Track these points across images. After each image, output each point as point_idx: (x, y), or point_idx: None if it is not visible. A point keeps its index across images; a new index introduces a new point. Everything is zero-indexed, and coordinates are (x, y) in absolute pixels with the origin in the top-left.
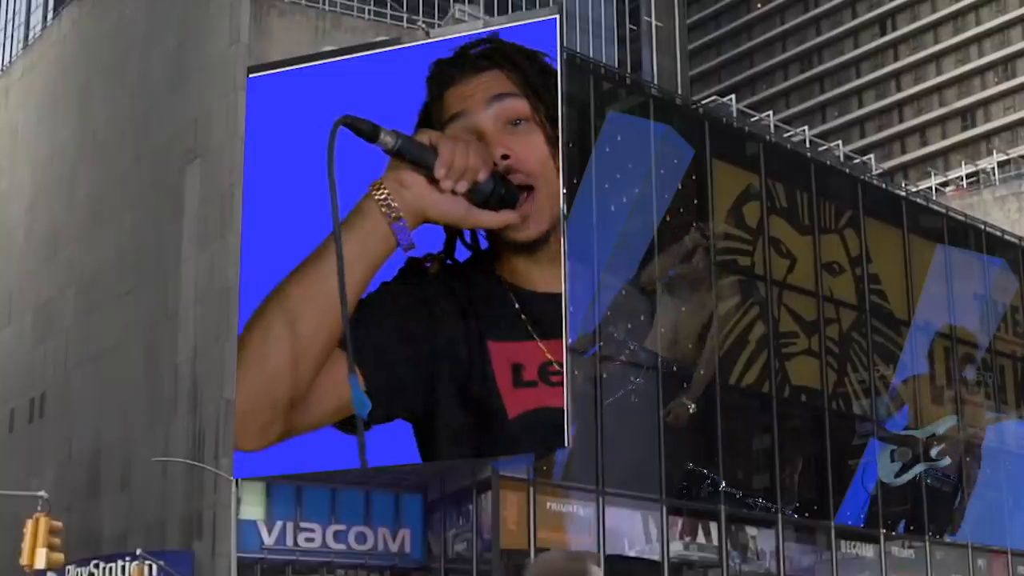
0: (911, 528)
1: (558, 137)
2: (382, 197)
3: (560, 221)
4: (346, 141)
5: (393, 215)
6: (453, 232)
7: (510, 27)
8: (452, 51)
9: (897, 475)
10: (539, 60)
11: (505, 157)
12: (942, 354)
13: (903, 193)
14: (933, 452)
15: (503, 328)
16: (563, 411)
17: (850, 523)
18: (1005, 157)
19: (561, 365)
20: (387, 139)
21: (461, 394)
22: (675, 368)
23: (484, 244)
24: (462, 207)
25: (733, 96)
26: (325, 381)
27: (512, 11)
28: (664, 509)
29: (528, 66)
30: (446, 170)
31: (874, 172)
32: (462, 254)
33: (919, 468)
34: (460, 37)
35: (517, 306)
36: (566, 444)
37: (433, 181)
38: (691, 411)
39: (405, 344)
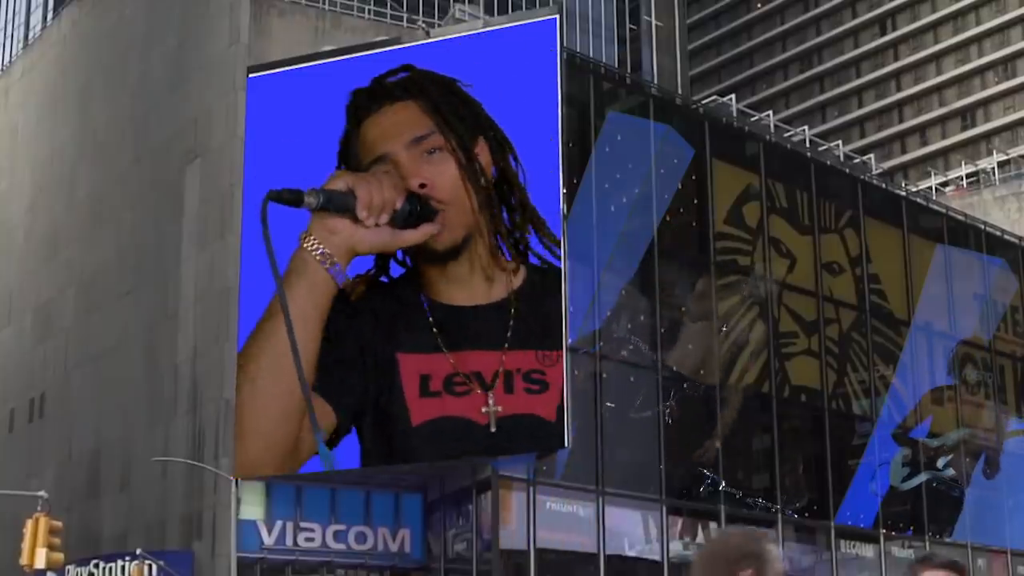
0: (902, 526)
1: (471, 162)
2: (314, 248)
3: (563, 219)
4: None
5: (328, 262)
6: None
7: (509, 27)
8: (369, 80)
9: (904, 480)
10: (453, 88)
11: (423, 186)
12: (966, 366)
13: (903, 193)
14: (940, 462)
15: (416, 341)
16: (469, 421)
17: (860, 525)
18: (1005, 157)
19: (468, 377)
20: (311, 200)
21: (376, 406)
22: (692, 387)
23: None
24: (386, 234)
25: (733, 96)
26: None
27: (512, 11)
28: (664, 509)
29: (441, 95)
30: (367, 211)
31: (874, 172)
32: (396, 271)
33: (925, 476)
34: (377, 55)
35: (431, 319)
36: (566, 445)
37: (357, 220)
38: (716, 449)
39: (340, 366)
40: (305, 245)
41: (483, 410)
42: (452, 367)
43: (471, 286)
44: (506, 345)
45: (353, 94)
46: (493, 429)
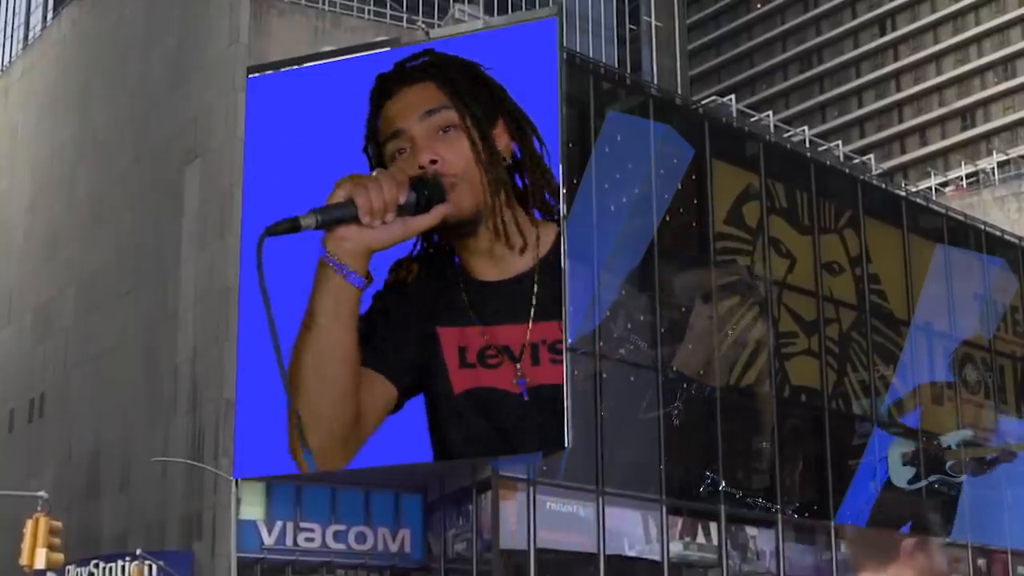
0: (915, 527)
1: (486, 140)
2: (327, 258)
3: (563, 219)
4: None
5: (342, 270)
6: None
7: (509, 27)
8: (392, 65)
9: (910, 481)
10: (474, 71)
11: (433, 162)
12: (966, 366)
13: (903, 193)
14: (948, 465)
15: (454, 315)
16: (504, 392)
17: (853, 522)
18: (1005, 157)
19: (499, 350)
20: (308, 222)
21: (425, 375)
22: (692, 387)
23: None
24: (398, 226)
25: (733, 96)
26: (365, 400)
27: (512, 11)
28: (664, 509)
29: (459, 76)
30: (369, 216)
31: (874, 172)
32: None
33: (933, 478)
34: (400, 50)
35: (464, 294)
36: (566, 444)
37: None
38: (764, 446)
39: (394, 340)
40: (322, 257)
41: (513, 381)
42: (484, 341)
43: (494, 262)
44: (531, 318)
45: (377, 79)
46: (526, 398)
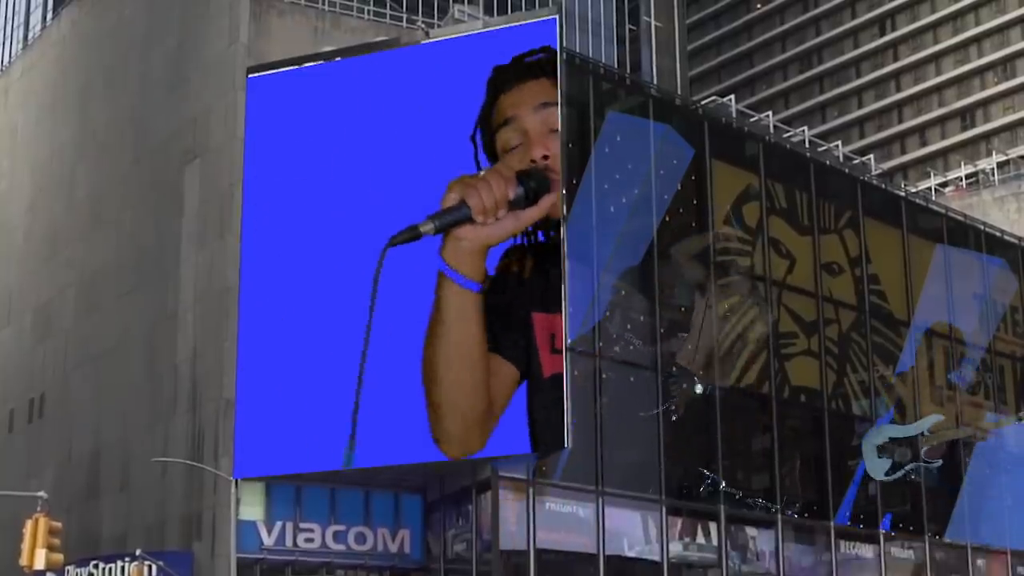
0: (901, 526)
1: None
2: (444, 269)
3: (562, 219)
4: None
5: (459, 280)
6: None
7: (509, 27)
8: (511, 59)
9: (888, 473)
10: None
11: (545, 157)
12: (932, 352)
13: (902, 193)
14: (921, 451)
15: (545, 302)
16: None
17: (842, 520)
18: (1004, 157)
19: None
20: (427, 228)
21: (529, 364)
22: (692, 387)
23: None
24: (510, 221)
25: (733, 96)
26: (495, 386)
27: (512, 11)
28: (664, 509)
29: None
30: (483, 215)
31: (873, 172)
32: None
33: (910, 467)
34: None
35: (557, 284)
36: (566, 445)
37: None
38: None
39: (512, 327)
40: (440, 268)
41: None
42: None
43: None
44: None
45: (495, 70)
46: None
